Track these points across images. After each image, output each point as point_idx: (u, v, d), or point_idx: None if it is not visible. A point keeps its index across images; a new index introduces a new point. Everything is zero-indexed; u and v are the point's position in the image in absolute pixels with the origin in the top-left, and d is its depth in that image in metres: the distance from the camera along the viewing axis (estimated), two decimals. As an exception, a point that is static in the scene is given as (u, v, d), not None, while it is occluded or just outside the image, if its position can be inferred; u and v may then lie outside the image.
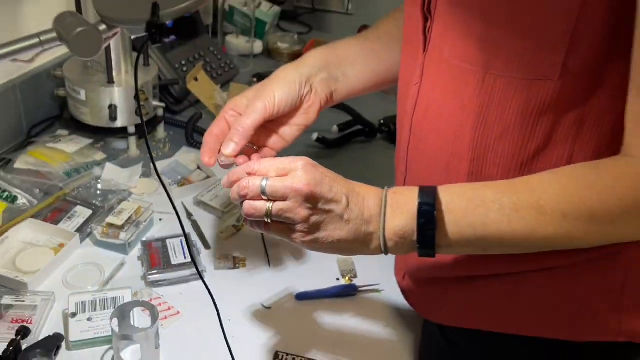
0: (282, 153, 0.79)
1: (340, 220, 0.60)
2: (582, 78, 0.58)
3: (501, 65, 0.60)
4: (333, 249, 0.62)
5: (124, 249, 0.93)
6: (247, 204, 0.61)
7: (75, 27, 0.59)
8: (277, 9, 1.62)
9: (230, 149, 0.72)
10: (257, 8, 1.55)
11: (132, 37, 1.12)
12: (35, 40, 0.60)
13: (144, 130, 0.94)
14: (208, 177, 1.09)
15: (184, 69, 1.32)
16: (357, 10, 1.81)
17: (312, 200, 0.59)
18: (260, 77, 1.38)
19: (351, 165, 1.20)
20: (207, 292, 0.74)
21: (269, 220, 0.61)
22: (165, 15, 0.57)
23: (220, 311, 0.71)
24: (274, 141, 0.80)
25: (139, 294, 0.87)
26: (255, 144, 0.79)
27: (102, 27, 0.62)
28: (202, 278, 0.71)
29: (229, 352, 0.72)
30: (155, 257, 0.91)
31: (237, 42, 1.52)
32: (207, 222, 1.01)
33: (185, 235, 0.70)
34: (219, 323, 0.76)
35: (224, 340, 0.76)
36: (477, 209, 0.58)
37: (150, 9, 0.55)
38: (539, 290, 0.69)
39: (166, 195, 1.04)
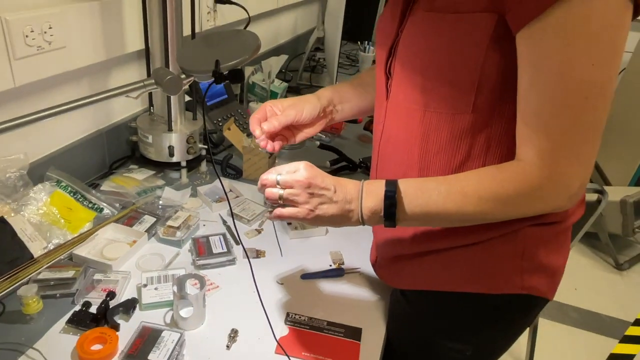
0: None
1: (331, 202, 0.68)
2: (486, 112, 0.67)
3: (435, 105, 0.70)
4: (328, 222, 0.69)
5: (179, 243, 1.01)
6: (267, 191, 0.69)
7: (166, 76, 0.70)
8: (285, 84, 1.75)
9: (268, 126, 0.79)
10: (272, 83, 1.68)
11: (200, 82, 1.24)
12: (141, 84, 0.70)
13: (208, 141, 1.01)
14: (237, 196, 1.19)
15: (220, 123, 1.43)
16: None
17: (310, 187, 0.67)
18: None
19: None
20: (237, 273, 0.82)
21: (282, 202, 0.69)
22: (224, 67, 0.67)
23: (249, 284, 0.78)
24: (288, 137, 0.86)
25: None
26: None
27: (182, 75, 0.72)
28: (248, 258, 0.79)
29: (252, 315, 0.80)
30: (202, 248, 1.00)
31: (257, 107, 1.63)
32: (237, 227, 1.11)
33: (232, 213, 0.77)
34: (246, 294, 0.84)
35: (250, 305, 0.84)
36: (423, 194, 0.66)
37: (214, 63, 0.65)
38: (467, 259, 0.77)
39: (208, 209, 1.14)
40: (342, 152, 1.36)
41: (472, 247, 0.76)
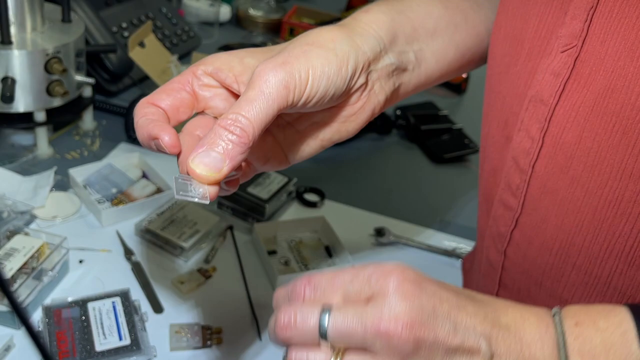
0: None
1: None
2: None
3: None
4: None
5: (11, 320, 0.53)
6: (295, 355, 0.32)
7: None
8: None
9: (220, 166, 0.35)
10: (224, -36, 1.14)
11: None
12: None
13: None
14: (159, 190, 0.68)
15: (125, 33, 0.90)
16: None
17: (419, 353, 0.31)
18: (230, 49, 0.97)
19: (360, 168, 0.82)
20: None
21: None
22: None
23: None
24: (275, 155, 0.43)
25: (34, 410, 0.46)
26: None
27: None
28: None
29: None
30: (67, 337, 0.50)
31: (197, 6, 1.10)
32: (157, 266, 0.61)
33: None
34: None
35: None
36: None
37: None
38: None
39: (93, 218, 0.64)
40: (364, 97, 0.87)
41: None
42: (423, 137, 0.87)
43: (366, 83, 0.43)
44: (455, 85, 1.01)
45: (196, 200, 0.35)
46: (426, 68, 0.48)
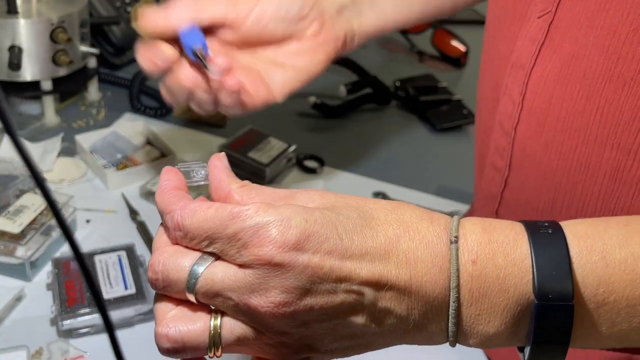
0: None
1: (366, 333, 0.31)
2: None
3: None
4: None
5: (22, 272, 0.55)
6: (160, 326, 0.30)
7: None
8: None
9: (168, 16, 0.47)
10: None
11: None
12: None
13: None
14: (163, 155, 0.71)
15: (128, 8, 0.92)
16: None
17: (295, 321, 0.30)
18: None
19: (359, 137, 0.84)
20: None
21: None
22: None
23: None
24: (254, 84, 0.51)
25: (44, 352, 0.49)
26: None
27: None
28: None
29: None
30: (75, 285, 0.53)
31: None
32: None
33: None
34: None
35: None
36: None
37: None
38: None
39: (99, 181, 0.66)
40: (364, 69, 0.90)
41: None
42: (422, 108, 0.88)
43: (320, 15, 0.51)
44: (454, 59, 1.02)
45: (202, 183, 0.35)
46: (384, 10, 0.55)
